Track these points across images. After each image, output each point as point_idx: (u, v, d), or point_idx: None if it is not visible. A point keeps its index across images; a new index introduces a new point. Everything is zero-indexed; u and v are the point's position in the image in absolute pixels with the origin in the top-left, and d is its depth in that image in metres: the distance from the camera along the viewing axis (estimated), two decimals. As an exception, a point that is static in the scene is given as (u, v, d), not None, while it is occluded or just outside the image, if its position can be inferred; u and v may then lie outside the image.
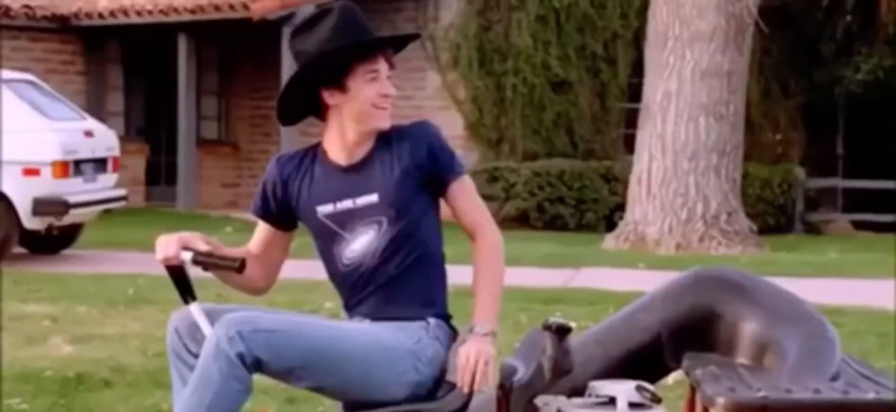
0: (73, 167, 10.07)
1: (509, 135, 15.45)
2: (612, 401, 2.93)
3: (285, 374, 2.89)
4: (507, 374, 3.01)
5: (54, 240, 10.70)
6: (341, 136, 3.06)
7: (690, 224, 12.31)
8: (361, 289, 3.04)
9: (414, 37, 3.23)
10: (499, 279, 3.05)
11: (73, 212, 10.04)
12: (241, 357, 2.79)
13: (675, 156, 12.33)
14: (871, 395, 2.78)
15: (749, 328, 3.11)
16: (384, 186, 3.02)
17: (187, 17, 15.25)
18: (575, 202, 14.79)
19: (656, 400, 2.95)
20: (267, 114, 17.64)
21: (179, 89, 15.90)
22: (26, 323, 7.11)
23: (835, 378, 2.93)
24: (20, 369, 5.70)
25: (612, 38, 15.44)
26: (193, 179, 16.40)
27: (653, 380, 3.19)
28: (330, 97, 3.05)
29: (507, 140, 15.49)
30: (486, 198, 16.86)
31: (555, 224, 14.65)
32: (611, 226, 13.83)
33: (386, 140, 3.06)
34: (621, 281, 9.44)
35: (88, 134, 10.52)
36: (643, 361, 3.23)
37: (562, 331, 2.96)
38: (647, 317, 3.26)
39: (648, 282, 9.81)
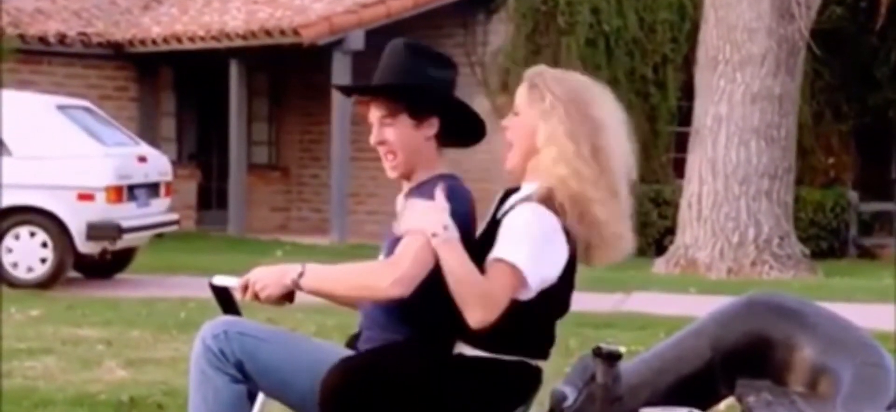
0: (126, 192, 10.19)
1: (559, 159, 15.41)
2: None
3: (259, 378, 2.99)
4: (557, 400, 3.00)
5: (108, 264, 10.82)
6: None
7: (742, 248, 12.21)
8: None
9: (375, 89, 3.20)
10: (352, 280, 2.94)
11: (127, 236, 10.15)
12: (223, 353, 2.95)
13: (726, 179, 12.25)
14: None
15: (803, 355, 3.08)
16: None
17: (238, 42, 15.40)
18: (625, 226, 14.71)
19: None
20: (317, 138, 17.77)
21: (231, 114, 16.05)
22: (80, 347, 7.18)
23: (891, 407, 2.90)
24: (74, 393, 5.75)
25: (661, 62, 15.39)
26: (244, 204, 16.53)
27: (704, 407, 3.18)
28: None
29: (556, 164, 15.46)
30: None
31: (604, 248, 14.57)
32: (661, 250, 13.74)
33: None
34: (672, 306, 9.38)
35: (142, 159, 10.64)
36: (695, 387, 3.20)
37: (612, 358, 2.95)
38: (698, 342, 3.22)
39: (700, 306, 9.74)
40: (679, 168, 14.38)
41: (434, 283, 2.87)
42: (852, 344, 3.08)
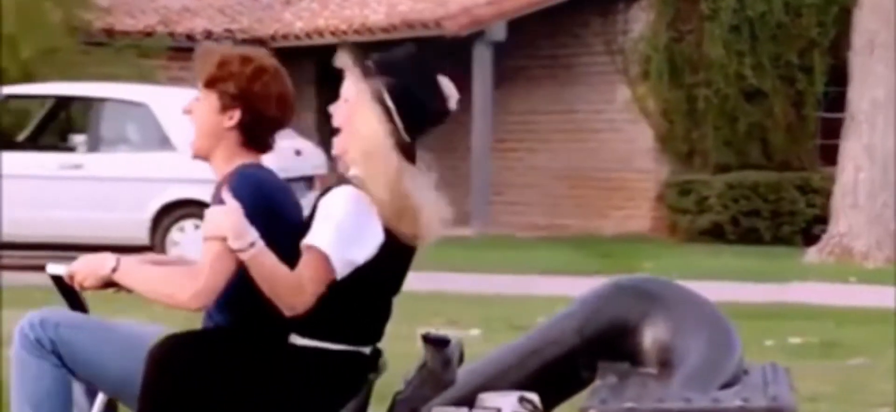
0: (284, 185, 10.40)
1: (701, 147, 15.24)
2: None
3: (75, 366, 3.01)
4: (398, 391, 3.03)
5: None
6: None
7: (901, 236, 11.92)
8: None
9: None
10: (157, 286, 2.92)
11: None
12: (39, 342, 2.99)
13: (884, 166, 11.95)
14: (737, 403, 2.79)
15: (656, 335, 3.11)
16: None
17: (381, 36, 15.57)
18: (770, 215, 14.47)
19: (538, 411, 2.97)
20: (452, 130, 17.86)
21: (372, 107, 16.23)
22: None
23: (726, 385, 2.91)
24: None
25: (808, 47, 15.06)
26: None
27: (570, 392, 3.23)
28: None
29: (698, 152, 15.28)
30: (678, 211, 16.62)
31: (749, 237, 14.36)
32: (808, 239, 13.47)
33: None
34: (834, 295, 9.21)
35: (298, 153, 10.86)
36: (558, 372, 3.21)
37: (440, 344, 2.97)
38: (565, 326, 3.25)
39: (862, 296, 9.57)
40: (826, 155, 14.07)
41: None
42: (704, 324, 3.09)
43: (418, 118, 3.03)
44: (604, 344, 3.18)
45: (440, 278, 10.71)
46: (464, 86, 17.99)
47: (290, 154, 10.70)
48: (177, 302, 2.87)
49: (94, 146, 10.36)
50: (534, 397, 2.99)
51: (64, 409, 3.02)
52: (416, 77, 3.03)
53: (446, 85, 3.09)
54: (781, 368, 3.16)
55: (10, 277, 9.03)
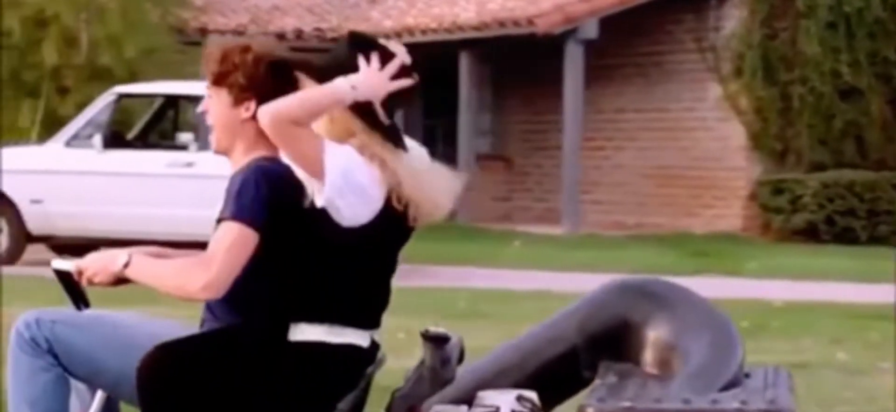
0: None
1: (795, 145, 15.06)
2: (496, 410, 2.94)
3: (71, 365, 2.99)
4: (397, 388, 3.02)
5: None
6: None
7: None
8: None
9: None
10: (169, 278, 2.91)
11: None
12: (35, 341, 2.96)
13: None
14: (734, 405, 2.78)
15: (658, 336, 3.10)
16: None
17: (472, 34, 15.57)
18: (866, 214, 14.27)
19: (537, 409, 2.95)
20: (541, 128, 17.83)
21: (460, 106, 16.24)
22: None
23: (727, 387, 2.90)
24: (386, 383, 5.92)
25: (906, 43, 14.84)
26: (470, 194, 16.72)
27: (571, 392, 3.19)
28: None
29: (792, 151, 15.11)
30: (771, 210, 16.44)
31: (844, 237, 14.17)
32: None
33: None
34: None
35: (402, 151, 10.87)
36: (559, 371, 3.18)
37: (439, 341, 2.94)
38: (567, 325, 3.22)
39: None
40: (926, 153, 13.84)
41: (262, 267, 2.87)
42: (707, 326, 3.08)
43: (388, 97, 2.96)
44: (605, 343, 3.16)
45: (542, 277, 10.73)
46: (549, 84, 18.00)
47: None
48: (187, 293, 2.86)
49: (204, 144, 10.46)
50: (532, 395, 2.97)
51: (61, 408, 3.01)
52: (357, 59, 2.95)
53: (395, 48, 3.02)
54: (783, 372, 3.13)
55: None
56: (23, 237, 10.22)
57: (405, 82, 2.93)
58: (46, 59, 12.45)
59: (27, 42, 12.67)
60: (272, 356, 2.92)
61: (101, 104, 10.62)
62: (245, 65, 2.96)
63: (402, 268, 9.85)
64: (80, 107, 12.58)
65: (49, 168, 10.31)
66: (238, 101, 2.97)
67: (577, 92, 15.10)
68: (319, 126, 2.94)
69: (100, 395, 3.05)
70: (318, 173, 2.86)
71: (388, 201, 2.91)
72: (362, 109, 2.93)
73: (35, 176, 10.36)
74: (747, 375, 3.06)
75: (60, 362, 2.99)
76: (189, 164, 10.34)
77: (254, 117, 2.94)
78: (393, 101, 2.96)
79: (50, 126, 12.66)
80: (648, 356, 3.11)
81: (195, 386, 2.87)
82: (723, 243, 13.96)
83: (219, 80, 2.99)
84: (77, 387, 3.08)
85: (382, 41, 3.05)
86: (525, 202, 18.36)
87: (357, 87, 2.88)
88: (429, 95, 18.11)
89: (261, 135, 2.93)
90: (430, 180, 2.98)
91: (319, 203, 2.88)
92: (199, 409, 2.88)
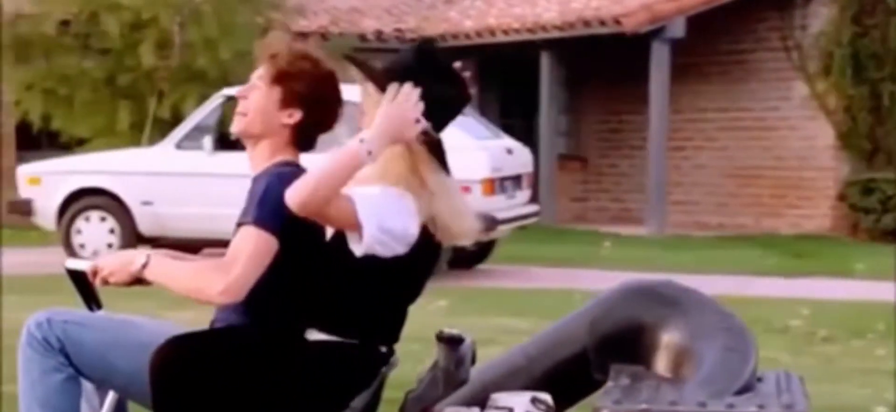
0: (498, 184, 10.38)
1: (885, 145, 14.88)
2: None
3: (82, 365, 2.97)
4: (410, 389, 3.00)
5: (470, 255, 11.05)
6: None
7: None
8: None
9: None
10: (187, 280, 2.88)
11: (499, 228, 10.34)
12: (46, 341, 2.95)
13: None
14: (751, 408, 2.77)
15: (671, 339, 3.09)
16: None
17: (555, 34, 15.47)
18: (958, 214, 14.08)
19: (551, 411, 2.95)
20: (618, 128, 17.73)
21: (541, 106, 16.15)
22: (512, 336, 7.33)
23: (741, 391, 2.88)
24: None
25: None
26: (549, 195, 16.63)
27: (581, 395, 3.19)
28: None
29: (883, 150, 14.92)
30: (860, 210, 16.21)
31: (936, 238, 13.99)
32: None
33: None
34: None
35: (509, 151, 10.82)
36: (569, 374, 3.17)
37: (453, 342, 2.93)
38: (577, 328, 3.20)
39: None
40: None
41: (278, 273, 2.85)
42: (720, 330, 3.07)
43: (440, 111, 2.93)
44: (616, 345, 3.14)
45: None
46: (628, 83, 17.81)
47: (501, 153, 10.67)
48: (206, 296, 2.82)
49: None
50: (546, 397, 2.96)
51: (72, 408, 2.99)
52: (427, 71, 2.92)
53: (460, 69, 3.03)
54: (795, 376, 3.12)
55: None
56: (134, 239, 10.24)
57: (422, 126, 2.88)
58: (144, 61, 12.49)
59: (124, 45, 12.71)
60: (287, 353, 2.90)
61: (209, 106, 10.62)
62: (306, 75, 2.93)
63: (506, 270, 9.86)
64: (176, 109, 12.64)
65: (159, 170, 10.34)
66: (285, 105, 2.94)
67: (663, 91, 14.98)
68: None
69: (111, 396, 3.04)
70: (353, 228, 2.84)
71: (423, 228, 2.90)
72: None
73: (146, 178, 10.40)
74: (759, 379, 3.05)
75: (72, 362, 2.97)
76: None
77: (294, 126, 2.95)
78: (441, 115, 2.93)
79: (144, 129, 12.72)
80: (661, 359, 3.10)
81: (208, 379, 2.84)
82: (818, 244, 13.79)
83: (276, 79, 2.95)
84: (85, 388, 3.06)
85: (453, 54, 3.06)
86: (601, 202, 18.26)
87: (372, 151, 2.81)
88: (506, 95, 18.09)
89: (290, 142, 2.95)
90: (462, 204, 2.98)
91: (358, 253, 2.86)
92: (212, 403, 2.85)
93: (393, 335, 3.00)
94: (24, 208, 10.63)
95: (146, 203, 10.35)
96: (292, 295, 2.92)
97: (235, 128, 3.02)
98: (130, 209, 10.38)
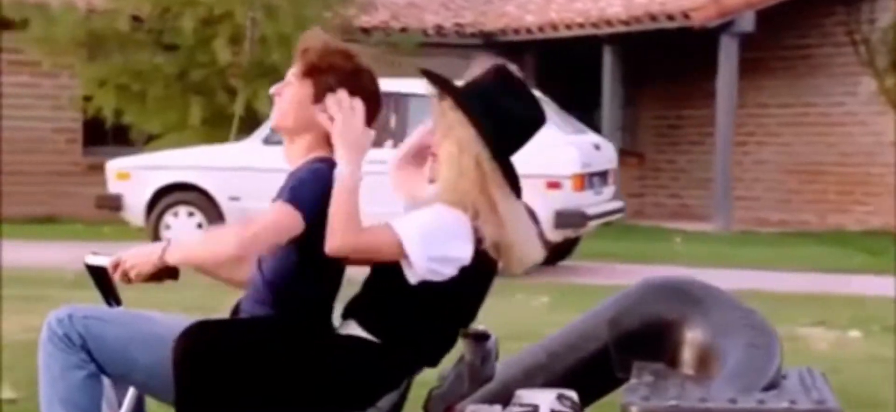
0: (587, 180, 10.29)
1: (955, 139, 14.73)
2: (535, 409, 2.91)
3: (104, 360, 2.95)
4: (435, 386, 2.97)
5: (554, 251, 10.95)
6: None
7: None
8: None
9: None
10: (205, 246, 2.97)
11: (589, 224, 10.25)
12: (68, 337, 2.93)
13: None
14: (783, 404, 2.74)
15: (694, 336, 3.08)
16: None
17: (620, 28, 15.35)
18: None
19: (577, 408, 2.92)
20: (676, 123, 17.61)
21: (603, 101, 16.05)
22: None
23: (767, 388, 2.86)
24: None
25: None
26: (613, 190, 16.52)
27: (602, 392, 3.17)
28: None
29: (952, 145, 14.78)
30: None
31: None
32: None
33: None
34: None
35: (597, 147, 10.72)
36: (591, 370, 3.15)
37: (479, 338, 2.91)
38: (597, 325, 3.18)
39: None
40: None
41: (306, 265, 2.87)
42: (744, 327, 3.06)
43: (516, 132, 2.95)
44: (638, 342, 3.13)
45: (728, 276, 10.51)
46: (689, 78, 17.65)
47: (590, 148, 10.58)
48: (223, 254, 2.85)
49: (399, 142, 10.36)
50: (572, 394, 2.93)
51: (94, 405, 2.96)
52: (506, 93, 2.94)
53: (536, 93, 3.05)
54: (818, 373, 3.08)
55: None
56: (222, 234, 10.18)
57: (371, 134, 2.93)
58: (219, 57, 12.42)
59: (197, 40, 12.65)
60: (313, 344, 2.88)
61: (296, 102, 10.55)
62: (337, 69, 2.92)
63: (590, 266, 9.75)
64: (248, 104, 12.57)
65: (247, 165, 10.28)
66: (318, 99, 2.93)
67: (731, 87, 14.85)
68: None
69: (131, 393, 3.01)
70: (400, 256, 2.83)
71: (479, 250, 2.86)
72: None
73: (233, 173, 10.35)
74: (784, 376, 3.02)
75: (93, 358, 2.96)
76: (383, 162, 10.23)
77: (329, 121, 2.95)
78: (517, 135, 2.94)
79: (216, 124, 12.65)
80: (684, 356, 3.08)
81: (232, 364, 2.81)
82: (888, 241, 13.64)
83: (309, 73, 2.94)
84: (105, 388, 3.04)
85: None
86: (658, 198, 18.14)
87: (353, 174, 2.87)
88: (566, 90, 17.95)
89: (326, 138, 2.94)
90: (531, 231, 2.96)
91: (412, 281, 2.84)
92: (234, 388, 2.81)
93: (435, 360, 2.98)
94: (112, 203, 10.60)
95: (234, 198, 10.30)
96: (319, 288, 2.92)
97: (272, 122, 3.06)
98: (219, 204, 10.33)
